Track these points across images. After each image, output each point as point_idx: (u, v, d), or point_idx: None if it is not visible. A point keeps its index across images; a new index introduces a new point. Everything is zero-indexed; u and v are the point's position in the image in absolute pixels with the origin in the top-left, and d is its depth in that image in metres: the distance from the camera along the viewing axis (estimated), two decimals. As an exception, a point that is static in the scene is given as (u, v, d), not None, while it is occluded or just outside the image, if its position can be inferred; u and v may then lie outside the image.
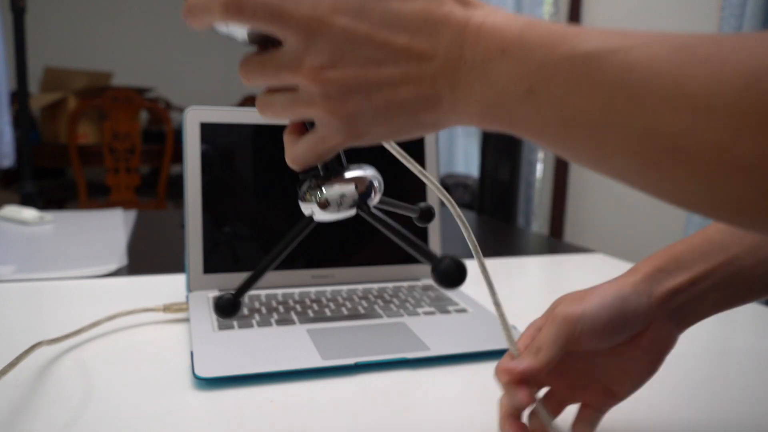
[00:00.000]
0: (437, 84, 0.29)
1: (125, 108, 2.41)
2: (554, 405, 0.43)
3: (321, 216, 0.36)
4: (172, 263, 0.87)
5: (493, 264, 0.94)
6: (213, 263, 0.70)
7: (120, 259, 0.89)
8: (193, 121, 0.69)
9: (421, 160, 0.78)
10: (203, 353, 0.54)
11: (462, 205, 2.48)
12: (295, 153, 0.33)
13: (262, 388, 0.50)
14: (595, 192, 2.31)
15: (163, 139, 2.59)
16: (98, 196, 2.54)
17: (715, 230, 0.41)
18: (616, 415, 0.43)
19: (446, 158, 2.96)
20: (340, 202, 0.35)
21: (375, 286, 0.74)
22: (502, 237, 1.25)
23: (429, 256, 0.32)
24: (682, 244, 0.41)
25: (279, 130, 0.74)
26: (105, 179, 2.44)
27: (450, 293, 0.73)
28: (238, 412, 0.46)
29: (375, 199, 0.36)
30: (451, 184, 2.64)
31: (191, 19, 0.31)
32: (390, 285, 0.75)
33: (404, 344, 0.57)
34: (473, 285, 0.76)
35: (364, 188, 0.36)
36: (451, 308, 0.68)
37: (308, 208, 0.36)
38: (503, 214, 2.30)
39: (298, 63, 0.29)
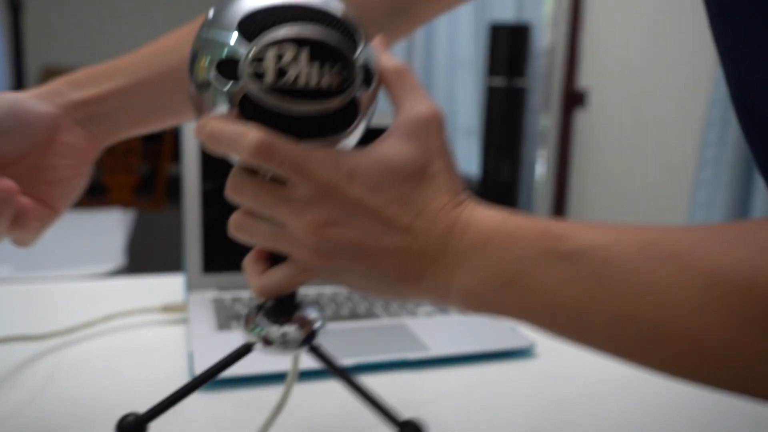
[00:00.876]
0: (423, 260, 0.31)
1: (124, 107, 2.40)
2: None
3: (263, 351, 0.35)
4: (171, 263, 0.87)
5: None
6: (212, 263, 0.70)
7: (118, 258, 0.88)
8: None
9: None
10: (202, 353, 0.53)
11: (462, 204, 2.48)
12: (264, 283, 0.33)
13: (262, 388, 0.50)
14: (596, 192, 2.31)
15: (161, 139, 2.58)
16: (96, 196, 2.54)
17: (141, 51, 0.47)
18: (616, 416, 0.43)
19: (446, 158, 2.95)
20: (283, 341, 0.34)
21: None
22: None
23: (390, 418, 0.33)
24: (107, 63, 0.45)
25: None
26: (103, 179, 2.43)
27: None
28: (238, 412, 0.46)
29: (318, 338, 0.36)
30: (451, 183, 2.64)
31: (211, 145, 0.30)
32: (390, 285, 0.74)
33: (404, 345, 0.57)
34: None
35: (309, 331, 0.35)
36: (451, 308, 0.67)
37: (250, 339, 0.35)
38: (503, 214, 2.30)
39: (302, 211, 0.30)
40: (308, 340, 0.35)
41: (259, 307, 0.35)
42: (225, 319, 0.61)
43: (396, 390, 0.51)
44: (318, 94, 0.29)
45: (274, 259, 0.34)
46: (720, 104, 1.54)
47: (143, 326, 0.63)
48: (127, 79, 0.44)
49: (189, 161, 0.69)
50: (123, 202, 2.37)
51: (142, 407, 0.46)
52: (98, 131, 0.44)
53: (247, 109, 0.29)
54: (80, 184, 0.45)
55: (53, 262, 0.85)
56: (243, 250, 0.72)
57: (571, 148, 2.37)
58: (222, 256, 0.70)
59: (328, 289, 0.72)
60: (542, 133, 2.44)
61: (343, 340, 0.58)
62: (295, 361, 0.39)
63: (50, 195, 0.43)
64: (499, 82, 2.25)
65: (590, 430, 0.46)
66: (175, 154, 2.59)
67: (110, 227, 1.09)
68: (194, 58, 0.30)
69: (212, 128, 0.30)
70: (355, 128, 0.32)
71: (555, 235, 0.29)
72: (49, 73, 3.00)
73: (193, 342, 0.56)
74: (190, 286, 0.69)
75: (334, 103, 0.29)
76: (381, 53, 0.34)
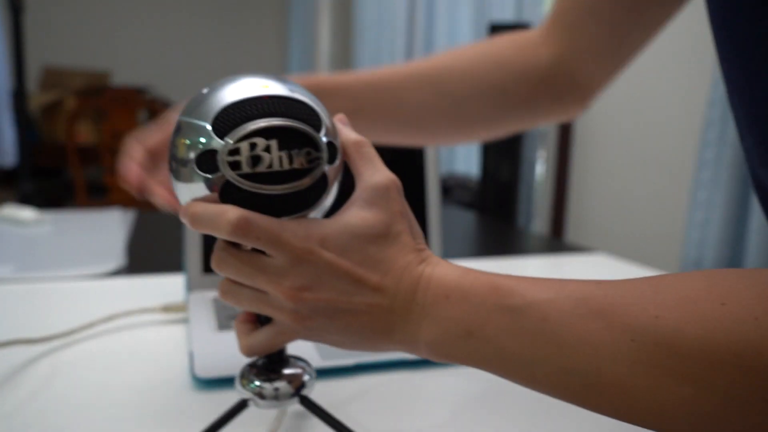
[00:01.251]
0: (393, 315, 0.34)
1: (124, 107, 2.41)
2: None
3: (258, 405, 0.38)
4: (171, 263, 0.87)
5: (494, 264, 0.94)
6: (212, 263, 0.70)
7: (118, 259, 0.88)
8: (192, 119, 0.68)
9: (421, 160, 0.78)
10: (202, 354, 0.53)
11: (462, 205, 2.48)
12: (253, 344, 0.36)
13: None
14: (596, 192, 2.31)
15: (162, 139, 2.58)
16: (97, 196, 2.54)
17: (354, 80, 0.52)
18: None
19: (446, 158, 2.95)
20: (275, 396, 0.37)
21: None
22: (503, 237, 1.24)
23: None
24: (324, 80, 0.51)
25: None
26: (104, 179, 2.43)
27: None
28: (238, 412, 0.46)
29: (309, 390, 0.39)
30: (452, 184, 2.64)
31: (194, 225, 0.34)
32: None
33: (405, 345, 0.57)
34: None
35: (299, 384, 0.38)
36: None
37: (245, 395, 0.38)
38: (504, 214, 2.30)
39: (280, 279, 0.33)
40: (298, 393, 0.38)
41: (251, 366, 0.38)
42: (225, 319, 0.61)
43: (396, 390, 0.51)
44: (290, 175, 0.32)
45: (260, 319, 0.37)
46: (719, 104, 1.54)
47: (143, 326, 0.63)
48: (345, 103, 0.50)
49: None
50: (123, 203, 2.37)
51: (142, 407, 0.46)
52: None
53: (225, 193, 0.32)
54: None
55: (53, 263, 0.85)
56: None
57: (571, 149, 2.37)
58: (222, 256, 0.70)
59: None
60: (542, 134, 2.44)
61: (343, 340, 0.58)
62: (281, 414, 0.44)
63: None
64: (499, 82, 2.24)
65: (591, 429, 0.46)
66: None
67: (111, 227, 1.09)
68: (176, 134, 0.34)
69: (194, 211, 0.33)
70: (325, 200, 0.35)
71: (504, 290, 0.32)
72: (49, 74, 2.99)
73: (194, 342, 0.56)
74: (191, 286, 0.69)
75: (305, 182, 0.33)
76: (343, 128, 0.37)
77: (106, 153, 2.41)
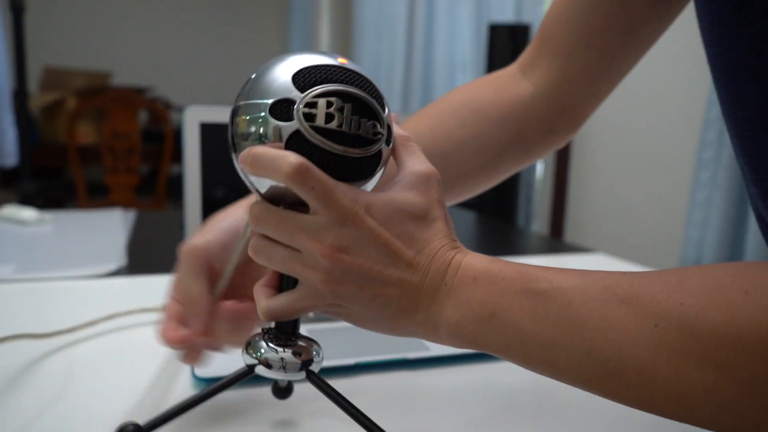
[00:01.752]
0: (421, 293, 0.34)
1: (124, 108, 2.41)
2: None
3: (263, 372, 0.38)
4: (172, 263, 0.87)
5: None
6: (212, 263, 0.70)
7: (119, 259, 0.89)
8: (192, 120, 0.69)
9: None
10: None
11: (462, 204, 2.48)
12: (272, 306, 0.36)
13: (262, 388, 0.50)
14: (596, 192, 2.31)
15: (162, 139, 2.59)
16: (97, 196, 2.54)
17: None
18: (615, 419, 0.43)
19: (446, 158, 2.95)
20: (282, 366, 0.37)
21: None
22: (503, 237, 1.25)
23: None
24: None
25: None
26: (104, 179, 2.44)
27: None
28: (238, 412, 0.46)
29: (316, 367, 0.39)
30: (451, 183, 2.64)
31: (254, 169, 0.34)
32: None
33: (404, 344, 0.57)
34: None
35: (308, 358, 0.38)
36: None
37: (251, 361, 0.38)
38: (503, 214, 2.30)
39: (321, 236, 0.33)
40: (306, 366, 0.38)
41: (261, 333, 0.38)
42: (226, 318, 0.61)
43: (396, 389, 0.51)
44: (355, 140, 0.34)
45: (282, 286, 0.37)
46: (718, 105, 1.54)
47: (144, 326, 0.63)
48: None
49: (190, 162, 0.69)
50: (124, 203, 2.37)
51: (143, 406, 0.47)
52: None
53: (292, 142, 0.33)
54: None
55: (54, 263, 0.85)
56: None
57: (571, 149, 2.37)
58: (222, 256, 0.70)
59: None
60: (542, 134, 2.44)
61: (343, 339, 0.58)
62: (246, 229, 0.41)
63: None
64: (499, 82, 2.24)
65: (592, 428, 0.46)
66: (176, 155, 2.60)
67: (111, 227, 1.09)
68: (236, 115, 0.35)
69: (256, 151, 0.33)
70: (375, 176, 0.36)
71: (531, 276, 0.33)
72: (50, 74, 3.00)
73: (194, 342, 0.56)
74: (191, 286, 0.69)
75: (366, 151, 0.35)
76: (393, 124, 0.39)
77: (107, 153, 2.41)
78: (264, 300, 0.37)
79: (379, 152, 0.36)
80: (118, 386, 0.50)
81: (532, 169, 2.46)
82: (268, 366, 0.37)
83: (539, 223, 2.50)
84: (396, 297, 0.34)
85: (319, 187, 0.33)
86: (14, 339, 0.52)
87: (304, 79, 0.34)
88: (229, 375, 0.38)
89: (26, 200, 1.78)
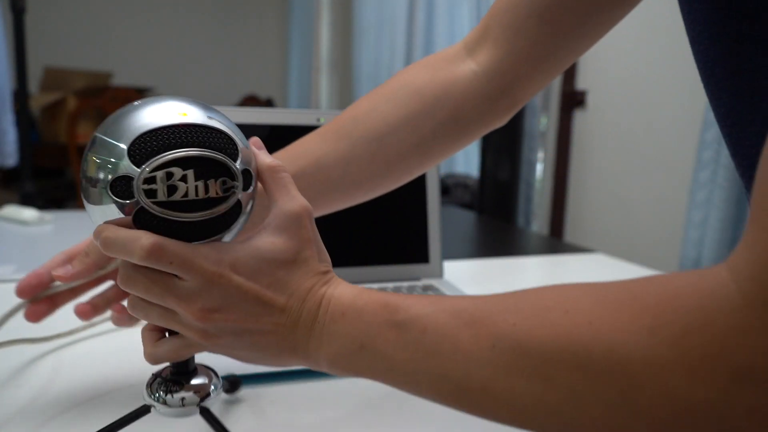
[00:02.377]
0: (297, 336, 0.36)
1: (125, 108, 2.40)
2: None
3: (162, 411, 0.38)
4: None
5: (493, 264, 0.94)
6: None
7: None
8: (193, 121, 0.69)
9: (420, 160, 0.78)
10: (203, 354, 0.54)
11: (462, 205, 2.48)
12: (157, 353, 0.37)
13: (262, 388, 0.50)
14: (595, 192, 2.31)
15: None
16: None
17: (309, 138, 0.52)
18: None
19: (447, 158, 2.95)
20: (181, 404, 0.38)
21: (375, 285, 0.74)
22: (502, 237, 1.25)
23: None
24: (283, 150, 0.51)
25: (279, 130, 0.74)
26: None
27: (449, 293, 0.73)
28: (238, 412, 0.46)
29: (214, 400, 0.39)
30: (451, 184, 2.64)
31: (105, 249, 0.34)
32: (390, 285, 0.75)
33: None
34: (473, 285, 0.76)
35: (204, 394, 0.38)
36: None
37: (150, 401, 0.38)
38: (503, 214, 2.30)
39: (190, 301, 0.34)
40: (204, 400, 0.38)
41: (159, 375, 0.39)
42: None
43: (393, 390, 0.51)
44: (205, 204, 0.33)
45: (168, 331, 0.38)
46: (718, 105, 1.54)
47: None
48: (306, 159, 0.50)
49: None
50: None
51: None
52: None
53: (139, 218, 0.33)
54: None
55: (55, 263, 0.85)
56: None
57: (570, 149, 2.37)
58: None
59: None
60: (541, 134, 2.44)
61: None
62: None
63: None
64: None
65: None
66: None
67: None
68: (91, 149, 0.33)
69: (106, 236, 0.34)
70: (237, 223, 0.36)
71: (392, 307, 0.34)
72: (50, 74, 3.00)
73: (195, 341, 0.56)
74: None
75: (220, 209, 0.34)
76: (258, 153, 0.39)
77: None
78: (150, 346, 0.38)
79: (237, 202, 0.35)
80: (118, 386, 0.50)
81: (532, 169, 2.46)
82: (166, 405, 0.38)
83: (539, 223, 2.51)
84: (275, 341, 0.36)
85: (177, 261, 0.33)
86: (12, 344, 0.52)
87: (140, 150, 0.32)
88: (124, 415, 0.39)
89: (27, 200, 1.78)
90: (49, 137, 2.78)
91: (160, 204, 0.32)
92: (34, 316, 0.47)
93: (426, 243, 0.79)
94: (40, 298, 0.48)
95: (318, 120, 0.75)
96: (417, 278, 0.78)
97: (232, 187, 0.34)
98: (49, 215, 1.16)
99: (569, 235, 2.45)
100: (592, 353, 0.28)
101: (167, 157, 0.32)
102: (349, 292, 0.36)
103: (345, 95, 4.15)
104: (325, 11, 4.19)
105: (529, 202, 2.50)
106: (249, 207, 0.37)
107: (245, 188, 0.35)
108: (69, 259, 0.47)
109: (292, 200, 0.37)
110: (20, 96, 1.76)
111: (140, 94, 2.86)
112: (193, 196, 0.33)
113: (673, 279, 0.29)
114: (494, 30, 0.52)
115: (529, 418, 0.31)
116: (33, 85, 2.81)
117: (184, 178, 0.32)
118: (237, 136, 0.35)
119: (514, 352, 0.30)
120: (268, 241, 0.36)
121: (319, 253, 0.38)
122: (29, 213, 1.13)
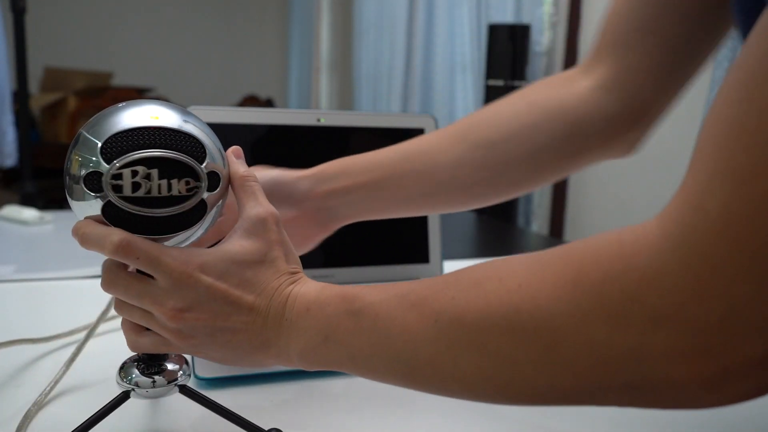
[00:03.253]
0: (267, 333, 0.37)
1: (125, 108, 2.41)
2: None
3: (140, 394, 0.40)
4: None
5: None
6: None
7: (120, 259, 0.89)
8: (193, 121, 0.69)
9: (420, 160, 0.78)
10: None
11: (462, 205, 2.48)
12: (138, 344, 0.39)
13: (262, 388, 0.50)
14: (595, 192, 2.31)
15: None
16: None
17: (423, 138, 0.52)
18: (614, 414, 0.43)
19: (446, 158, 2.95)
20: (153, 387, 0.40)
21: (375, 286, 0.74)
22: (502, 237, 1.25)
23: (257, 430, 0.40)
24: (354, 158, 0.52)
25: (279, 130, 0.74)
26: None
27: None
28: (238, 412, 0.47)
29: (186, 381, 0.42)
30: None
31: (83, 245, 0.37)
32: (390, 285, 0.75)
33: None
34: (473, 285, 0.76)
35: (173, 377, 0.41)
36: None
37: (125, 387, 0.40)
38: (503, 214, 2.30)
39: (162, 301, 0.36)
40: (173, 383, 0.41)
41: (132, 360, 0.41)
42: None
43: (396, 389, 0.51)
44: (168, 201, 0.36)
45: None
46: (718, 105, 1.54)
47: (145, 326, 0.63)
48: (374, 174, 0.51)
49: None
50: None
51: (143, 406, 0.47)
52: (338, 216, 0.51)
53: (107, 212, 0.36)
54: (304, 248, 0.52)
55: (55, 263, 0.85)
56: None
57: (571, 149, 2.37)
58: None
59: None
60: (542, 134, 2.43)
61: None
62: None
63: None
64: (498, 82, 2.25)
65: (585, 425, 0.46)
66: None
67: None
68: (74, 146, 0.36)
69: (84, 231, 0.36)
70: (203, 222, 0.38)
71: (349, 297, 0.36)
72: (51, 74, 3.00)
73: (195, 341, 0.56)
74: (192, 286, 0.69)
75: (183, 207, 0.36)
76: (234, 162, 0.41)
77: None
78: (132, 335, 0.39)
79: (202, 201, 0.37)
80: (116, 386, 0.50)
81: (532, 169, 2.46)
82: (141, 389, 0.40)
83: (539, 223, 2.51)
84: (246, 339, 0.37)
85: (144, 257, 0.35)
86: (12, 344, 0.53)
87: (111, 148, 0.35)
88: (105, 405, 0.41)
89: (27, 200, 1.78)
90: (49, 137, 2.79)
91: (125, 199, 0.35)
92: None
93: (426, 243, 0.79)
94: None
95: (318, 120, 0.75)
96: (417, 278, 0.78)
97: (196, 187, 0.36)
98: (49, 215, 1.16)
99: (569, 235, 2.45)
100: (521, 315, 0.29)
101: (133, 156, 0.35)
102: (314, 288, 0.38)
103: (345, 95, 4.15)
104: (325, 11, 4.19)
105: (529, 202, 2.50)
106: (216, 208, 0.39)
107: (211, 189, 0.38)
108: None
109: (258, 206, 0.39)
110: (20, 96, 1.76)
111: (140, 94, 2.87)
112: (156, 193, 0.35)
113: (602, 234, 0.29)
114: (605, 48, 0.52)
115: (475, 390, 0.32)
116: (33, 85, 2.81)
117: (148, 177, 0.35)
118: (208, 141, 0.38)
119: (452, 324, 0.31)
120: (236, 243, 0.38)
121: (286, 254, 0.39)
122: (29, 213, 1.13)
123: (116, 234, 0.35)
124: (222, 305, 0.36)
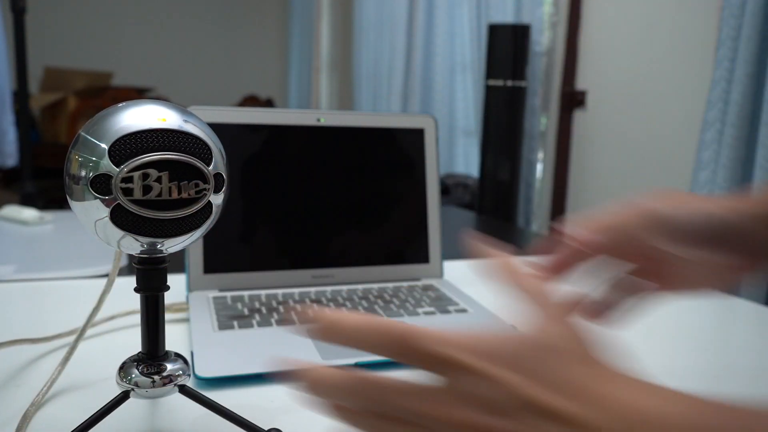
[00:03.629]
0: None
1: (125, 108, 2.41)
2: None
3: (139, 394, 0.40)
4: (172, 263, 0.87)
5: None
6: (213, 263, 0.70)
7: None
8: (193, 121, 0.69)
9: (421, 160, 0.78)
10: (203, 353, 0.54)
11: (462, 205, 2.48)
12: None
13: (262, 388, 0.50)
14: (595, 192, 2.31)
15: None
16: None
17: None
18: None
19: (446, 158, 2.96)
20: (152, 386, 0.40)
21: (375, 286, 0.74)
22: (502, 237, 1.25)
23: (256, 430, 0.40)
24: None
25: (279, 130, 0.74)
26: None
27: (449, 293, 0.73)
28: (238, 412, 0.47)
29: (185, 381, 0.41)
30: (451, 184, 2.64)
31: (332, 340, 0.30)
32: (390, 285, 0.75)
33: (404, 344, 0.57)
34: (473, 285, 0.76)
35: (174, 377, 0.41)
36: (451, 308, 0.68)
37: (125, 387, 0.40)
38: (503, 214, 2.30)
39: (461, 408, 0.28)
40: (173, 383, 0.41)
41: (132, 360, 0.41)
42: (226, 318, 0.62)
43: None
44: (177, 204, 0.36)
45: None
46: (718, 105, 1.54)
47: (145, 326, 0.63)
48: None
49: (190, 162, 0.70)
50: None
51: (143, 407, 0.47)
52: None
53: (116, 214, 0.35)
54: (706, 287, 0.45)
55: (55, 263, 0.85)
56: (243, 250, 0.73)
57: (570, 149, 2.37)
58: (223, 256, 0.71)
59: (328, 289, 0.72)
60: (541, 134, 2.44)
61: (342, 340, 0.58)
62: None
63: (673, 282, 0.44)
64: (498, 82, 2.25)
65: None
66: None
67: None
68: (74, 147, 0.36)
69: (318, 375, 0.30)
70: (207, 223, 0.38)
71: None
72: (51, 74, 3.00)
73: (194, 342, 0.56)
74: (191, 286, 0.69)
75: (192, 209, 0.36)
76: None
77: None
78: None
79: (208, 203, 0.37)
80: (116, 386, 0.50)
81: (532, 169, 2.46)
82: (141, 388, 0.40)
83: (539, 223, 2.50)
84: None
85: (432, 357, 0.29)
86: (12, 344, 0.53)
87: (120, 151, 0.34)
88: (105, 405, 0.41)
89: (27, 200, 1.78)
90: (50, 137, 2.79)
91: (135, 202, 0.35)
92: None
93: (426, 243, 0.79)
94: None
95: (318, 120, 0.75)
96: (417, 278, 0.78)
97: (204, 189, 0.36)
98: (49, 215, 1.16)
99: (569, 235, 2.44)
100: None
101: (144, 159, 0.34)
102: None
103: (345, 95, 4.15)
104: (325, 11, 4.19)
105: (529, 202, 2.50)
106: (219, 208, 0.39)
107: (216, 191, 0.38)
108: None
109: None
110: (20, 96, 1.76)
111: (140, 94, 2.87)
112: (167, 196, 0.35)
113: None
114: None
115: None
116: (33, 85, 2.81)
117: (159, 180, 0.35)
118: (211, 141, 0.37)
119: None
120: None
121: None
122: (29, 213, 1.13)
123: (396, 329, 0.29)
124: (534, 417, 0.27)
